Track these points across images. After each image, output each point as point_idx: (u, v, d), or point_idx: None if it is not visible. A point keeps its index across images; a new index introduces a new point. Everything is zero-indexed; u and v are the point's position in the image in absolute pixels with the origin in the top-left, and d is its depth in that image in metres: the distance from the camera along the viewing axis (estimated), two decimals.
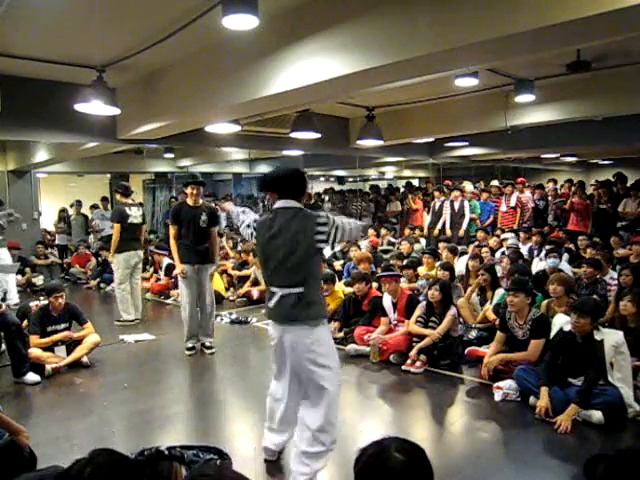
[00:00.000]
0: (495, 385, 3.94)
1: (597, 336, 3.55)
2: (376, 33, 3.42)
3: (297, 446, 2.71)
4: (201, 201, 5.31)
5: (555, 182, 11.63)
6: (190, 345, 5.24)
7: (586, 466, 1.45)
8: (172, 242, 5.27)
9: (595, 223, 8.70)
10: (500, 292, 5.12)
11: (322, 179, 17.50)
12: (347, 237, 2.68)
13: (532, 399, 3.69)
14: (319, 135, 6.96)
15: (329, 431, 2.67)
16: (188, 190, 5.24)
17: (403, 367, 4.60)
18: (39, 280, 9.04)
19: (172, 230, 5.27)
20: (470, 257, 6.09)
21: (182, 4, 3.82)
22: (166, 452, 1.55)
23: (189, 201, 5.26)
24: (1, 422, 2.49)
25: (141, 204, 12.52)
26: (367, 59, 3.49)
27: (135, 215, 6.60)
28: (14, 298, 7.64)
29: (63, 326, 4.89)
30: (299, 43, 3.90)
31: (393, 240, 8.98)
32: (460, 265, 6.42)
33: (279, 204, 2.69)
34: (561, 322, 4.02)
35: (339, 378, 2.77)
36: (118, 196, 6.77)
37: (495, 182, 10.95)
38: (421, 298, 5.42)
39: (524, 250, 7.27)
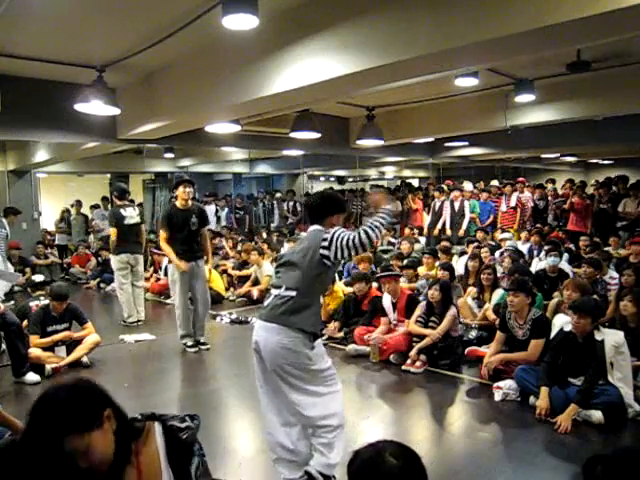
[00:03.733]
0: (495, 385, 3.94)
1: (598, 336, 3.55)
2: (376, 33, 3.42)
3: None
4: (190, 202, 5.31)
5: (554, 182, 11.63)
6: (190, 343, 5.27)
7: (585, 467, 1.45)
8: (165, 245, 5.27)
9: (595, 223, 8.70)
10: (500, 292, 5.12)
11: (322, 179, 17.50)
12: (351, 242, 2.47)
13: (532, 399, 3.69)
14: (319, 135, 6.97)
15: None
16: (180, 189, 5.21)
17: (403, 367, 4.60)
18: (39, 278, 9.02)
19: (163, 234, 5.27)
20: (469, 257, 6.09)
21: (182, 4, 3.82)
22: (139, 417, 1.65)
23: (179, 204, 5.25)
24: (3, 420, 2.50)
25: (140, 204, 12.58)
26: (367, 59, 3.49)
27: (131, 215, 6.51)
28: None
29: (63, 326, 4.89)
30: (299, 43, 3.90)
31: (393, 240, 8.98)
32: (460, 265, 6.42)
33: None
34: (561, 322, 4.02)
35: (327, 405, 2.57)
36: (114, 198, 6.72)
37: (495, 182, 10.95)
38: (421, 298, 5.42)
39: (523, 250, 7.27)
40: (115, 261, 6.48)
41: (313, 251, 2.54)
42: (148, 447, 1.59)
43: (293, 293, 2.54)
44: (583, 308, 3.59)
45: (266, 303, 2.64)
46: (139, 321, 6.59)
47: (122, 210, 6.48)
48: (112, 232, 6.46)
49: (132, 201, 6.89)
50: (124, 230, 6.43)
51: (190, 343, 5.27)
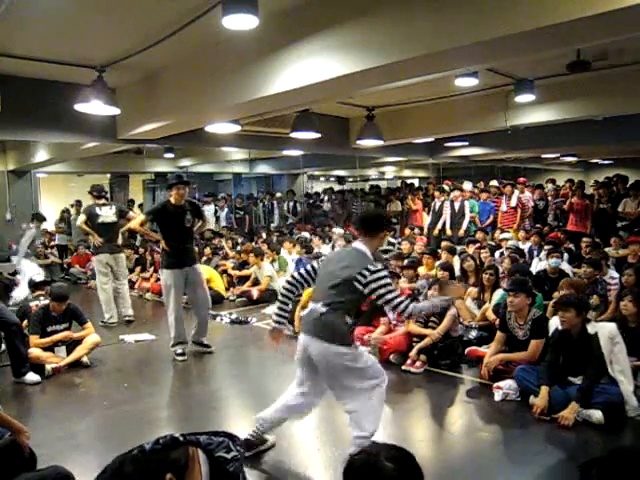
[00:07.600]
0: (495, 385, 3.94)
1: (590, 330, 3.58)
2: (376, 33, 3.42)
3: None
4: (183, 201, 5.13)
5: (553, 182, 11.61)
6: (180, 351, 5.10)
7: (581, 470, 1.44)
8: (137, 226, 5.22)
9: (595, 223, 8.69)
10: (500, 292, 5.11)
11: (322, 179, 17.50)
12: (396, 302, 2.80)
13: (532, 399, 3.69)
14: (319, 135, 6.96)
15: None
16: (173, 191, 5.03)
17: (403, 367, 4.60)
18: (39, 278, 9.02)
19: (142, 217, 5.28)
20: (462, 259, 6.07)
21: (182, 4, 3.82)
22: (181, 438, 1.56)
23: (172, 200, 5.08)
24: (3, 421, 2.49)
25: (140, 205, 12.58)
26: (367, 59, 3.49)
27: (107, 214, 6.40)
28: (22, 294, 7.53)
29: (63, 326, 4.89)
30: (299, 43, 3.91)
31: (393, 240, 8.98)
32: (459, 265, 6.41)
33: (353, 244, 3.03)
34: (557, 322, 4.02)
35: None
36: (90, 197, 6.63)
37: (495, 182, 10.95)
38: (421, 298, 5.41)
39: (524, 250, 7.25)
40: (95, 261, 6.51)
41: (352, 271, 2.78)
42: (192, 477, 1.54)
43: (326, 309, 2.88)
44: (564, 301, 3.66)
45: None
46: (127, 317, 6.55)
47: (97, 208, 6.39)
48: (80, 219, 6.50)
49: (109, 200, 6.82)
50: (99, 229, 6.35)
51: (180, 351, 5.10)
